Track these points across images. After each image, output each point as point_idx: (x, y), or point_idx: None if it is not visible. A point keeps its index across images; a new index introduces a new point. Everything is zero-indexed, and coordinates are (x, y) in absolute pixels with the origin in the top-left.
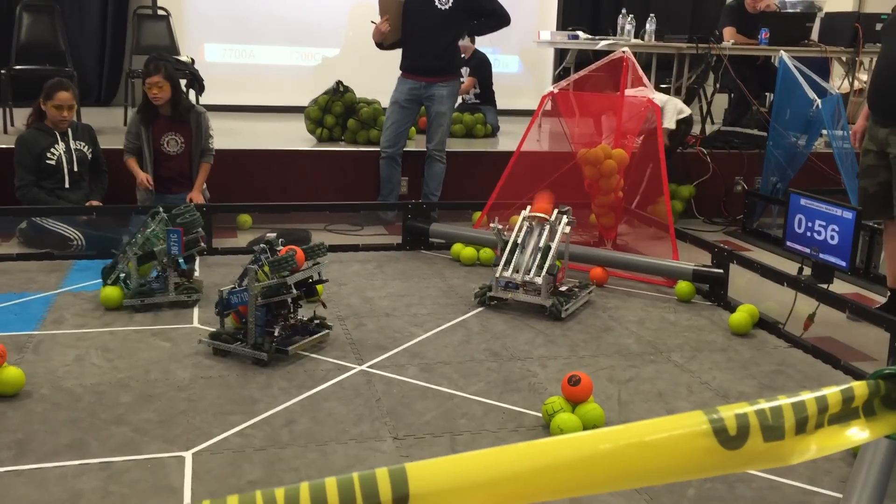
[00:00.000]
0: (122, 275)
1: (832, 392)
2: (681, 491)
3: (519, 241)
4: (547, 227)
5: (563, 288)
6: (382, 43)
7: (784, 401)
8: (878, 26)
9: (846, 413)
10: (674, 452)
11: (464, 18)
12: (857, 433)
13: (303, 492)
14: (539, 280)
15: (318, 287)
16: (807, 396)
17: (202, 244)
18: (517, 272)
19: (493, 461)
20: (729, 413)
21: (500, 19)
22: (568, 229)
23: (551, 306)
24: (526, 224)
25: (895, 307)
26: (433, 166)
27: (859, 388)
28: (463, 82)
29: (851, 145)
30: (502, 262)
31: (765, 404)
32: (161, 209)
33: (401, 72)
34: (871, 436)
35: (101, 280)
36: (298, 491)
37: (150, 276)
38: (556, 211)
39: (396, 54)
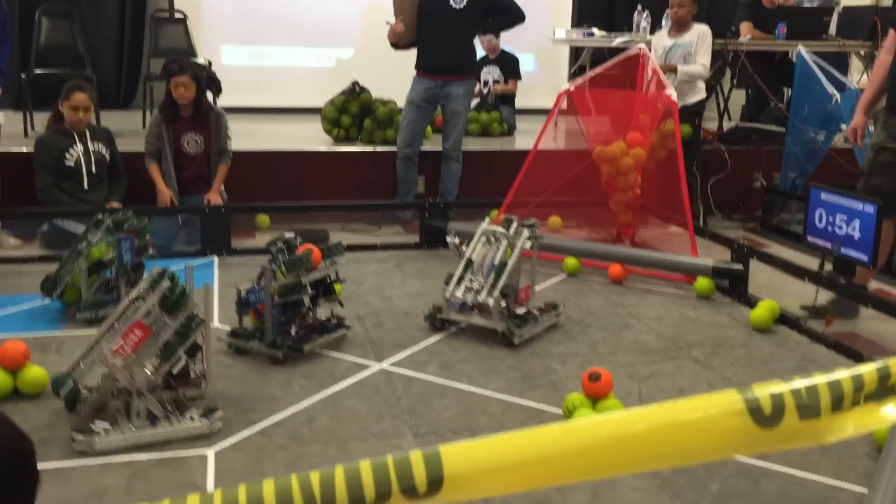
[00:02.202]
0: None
1: (868, 370)
2: (703, 486)
3: (474, 257)
4: (504, 242)
5: (521, 311)
6: (398, 43)
7: (819, 379)
8: None
9: (882, 390)
10: (709, 432)
11: (478, 17)
12: (893, 411)
13: (338, 475)
14: (491, 301)
15: (336, 286)
16: (842, 375)
17: (151, 250)
18: (470, 292)
19: (526, 443)
20: (764, 392)
21: (514, 16)
22: (528, 244)
23: (503, 331)
24: (483, 238)
25: None
26: (450, 165)
27: (895, 364)
28: (497, 82)
29: (852, 143)
30: (454, 281)
31: (800, 383)
32: (101, 216)
33: (416, 71)
34: None
35: (41, 296)
36: (333, 474)
37: (93, 287)
38: (514, 224)
39: (412, 54)
